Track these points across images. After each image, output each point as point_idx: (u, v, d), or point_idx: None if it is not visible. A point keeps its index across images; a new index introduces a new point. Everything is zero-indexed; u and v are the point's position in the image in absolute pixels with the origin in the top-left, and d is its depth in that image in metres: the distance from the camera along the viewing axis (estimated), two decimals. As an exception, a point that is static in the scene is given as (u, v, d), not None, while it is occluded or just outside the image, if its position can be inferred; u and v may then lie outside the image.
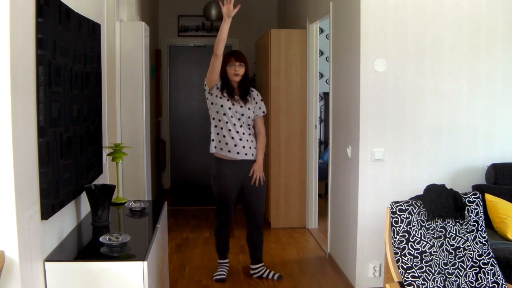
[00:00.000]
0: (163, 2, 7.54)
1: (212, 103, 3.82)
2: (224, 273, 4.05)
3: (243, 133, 3.80)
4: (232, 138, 3.76)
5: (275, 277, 4.04)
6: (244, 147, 3.79)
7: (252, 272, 4.11)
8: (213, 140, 3.83)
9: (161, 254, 2.83)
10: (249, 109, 3.81)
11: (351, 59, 3.85)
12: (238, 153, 3.78)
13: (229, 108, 3.75)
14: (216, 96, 3.79)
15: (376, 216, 3.71)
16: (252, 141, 3.85)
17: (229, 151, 3.78)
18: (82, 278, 2.13)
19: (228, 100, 3.77)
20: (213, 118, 3.83)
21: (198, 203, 6.65)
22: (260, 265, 4.10)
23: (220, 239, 4.09)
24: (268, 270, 4.09)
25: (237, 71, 3.77)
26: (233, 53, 3.84)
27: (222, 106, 3.76)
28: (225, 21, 3.54)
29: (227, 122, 3.76)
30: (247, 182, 3.88)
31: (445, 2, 3.71)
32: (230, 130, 3.76)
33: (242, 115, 3.79)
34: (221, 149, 3.79)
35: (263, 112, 3.93)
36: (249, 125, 3.85)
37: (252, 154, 3.85)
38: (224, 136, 3.77)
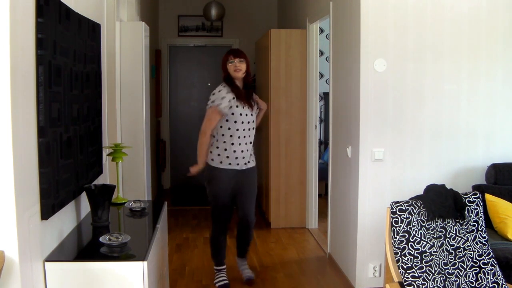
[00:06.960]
0: (163, 2, 7.54)
1: (227, 120, 3.69)
2: (226, 278, 3.96)
3: (245, 143, 3.74)
4: (234, 151, 3.71)
5: (246, 276, 4.01)
6: (244, 157, 3.76)
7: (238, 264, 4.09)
8: (213, 159, 3.74)
9: (161, 254, 2.83)
10: (251, 115, 3.79)
11: (351, 59, 3.85)
12: (238, 164, 3.75)
13: (246, 115, 3.71)
14: (232, 107, 3.66)
15: (376, 216, 3.71)
16: (252, 148, 3.85)
17: (230, 164, 3.73)
18: (82, 278, 2.13)
19: (243, 107, 3.70)
20: (222, 134, 3.71)
21: (198, 203, 6.64)
22: (244, 259, 4.09)
23: (217, 247, 3.95)
24: (246, 267, 4.07)
25: (237, 67, 3.69)
26: (232, 51, 3.78)
27: (240, 114, 3.69)
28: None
29: (229, 128, 3.68)
30: (240, 188, 3.81)
31: (445, 2, 3.71)
32: (235, 142, 3.69)
33: (250, 122, 3.77)
34: (221, 162, 3.73)
35: (261, 108, 3.94)
36: (254, 128, 3.83)
37: (250, 161, 3.82)
38: (225, 149, 3.70)
